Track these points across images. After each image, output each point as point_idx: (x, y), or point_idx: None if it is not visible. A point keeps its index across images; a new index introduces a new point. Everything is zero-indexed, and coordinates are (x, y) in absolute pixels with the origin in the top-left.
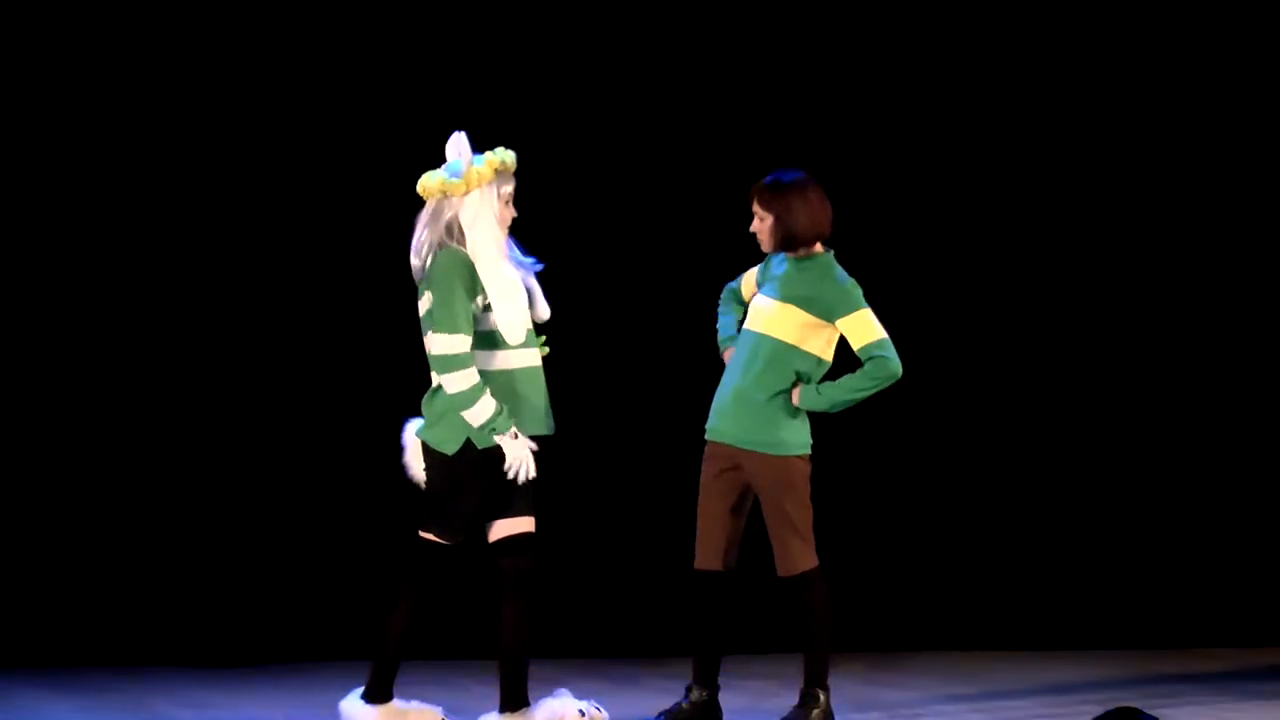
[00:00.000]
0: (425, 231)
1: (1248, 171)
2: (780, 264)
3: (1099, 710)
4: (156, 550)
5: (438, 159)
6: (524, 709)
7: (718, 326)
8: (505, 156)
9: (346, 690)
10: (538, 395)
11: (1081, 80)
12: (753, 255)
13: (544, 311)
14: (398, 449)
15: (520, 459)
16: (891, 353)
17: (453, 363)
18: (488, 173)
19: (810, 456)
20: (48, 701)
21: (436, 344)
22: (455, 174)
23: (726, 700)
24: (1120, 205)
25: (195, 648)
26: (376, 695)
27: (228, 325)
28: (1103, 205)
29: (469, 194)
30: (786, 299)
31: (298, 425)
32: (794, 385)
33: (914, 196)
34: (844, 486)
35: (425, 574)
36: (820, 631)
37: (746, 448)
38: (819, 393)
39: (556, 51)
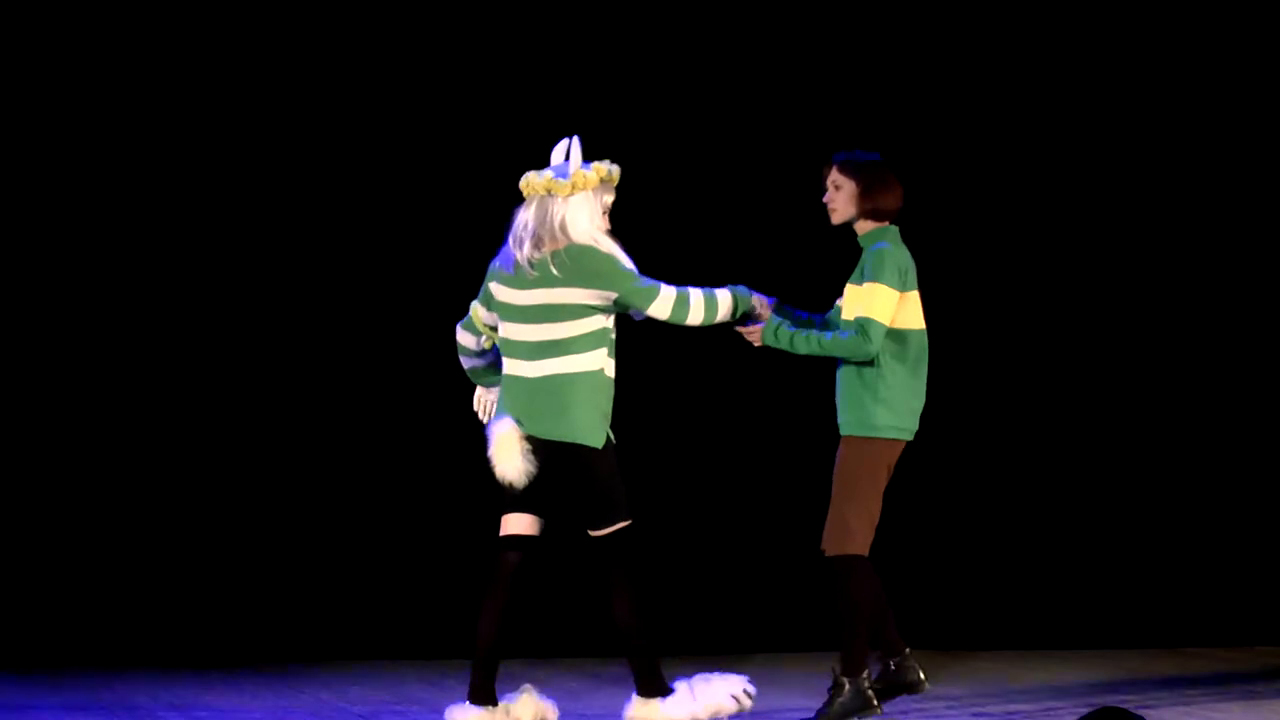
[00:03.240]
0: (532, 224)
1: (1247, 172)
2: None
3: (1085, 709)
4: (143, 551)
5: (444, 162)
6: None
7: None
8: (612, 168)
9: (333, 689)
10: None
11: (1081, 80)
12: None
13: None
14: (400, 450)
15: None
16: (876, 334)
17: (681, 307)
18: (593, 179)
19: (896, 441)
20: (34, 701)
21: (658, 311)
22: (562, 175)
23: (776, 699)
24: (1120, 207)
25: (181, 648)
26: (652, 689)
27: (214, 332)
28: (1103, 207)
29: (573, 196)
30: (852, 281)
31: (283, 426)
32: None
33: (914, 195)
34: (827, 485)
35: (633, 560)
36: (855, 620)
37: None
38: (777, 336)
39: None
